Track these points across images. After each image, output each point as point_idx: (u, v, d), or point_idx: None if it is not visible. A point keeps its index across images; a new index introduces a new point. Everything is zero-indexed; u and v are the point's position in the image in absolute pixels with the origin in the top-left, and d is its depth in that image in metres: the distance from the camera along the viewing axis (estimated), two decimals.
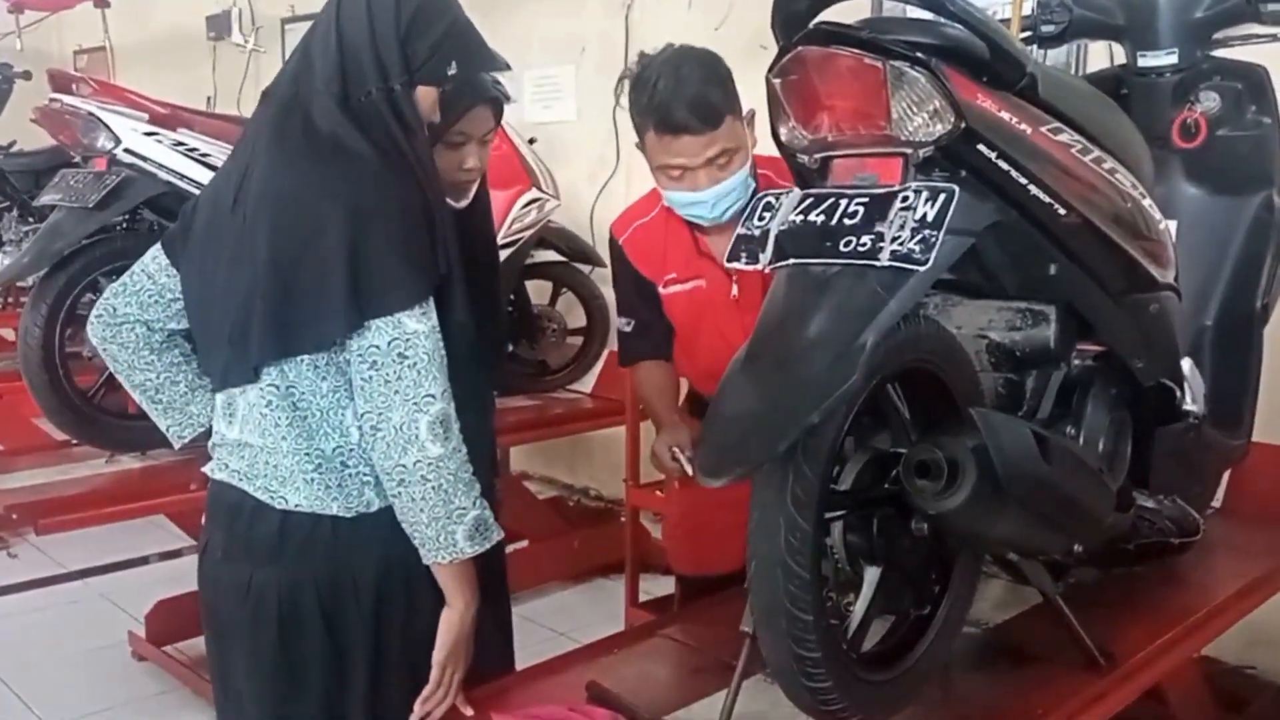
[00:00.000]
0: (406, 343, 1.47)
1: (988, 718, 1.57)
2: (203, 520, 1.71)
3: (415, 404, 1.47)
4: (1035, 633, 1.76)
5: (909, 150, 1.28)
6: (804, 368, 1.22)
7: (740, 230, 1.36)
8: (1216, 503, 2.36)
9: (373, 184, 1.50)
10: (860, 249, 1.24)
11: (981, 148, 1.28)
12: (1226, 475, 2.33)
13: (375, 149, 1.51)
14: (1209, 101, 2.06)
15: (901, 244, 1.22)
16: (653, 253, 2.12)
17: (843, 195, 1.30)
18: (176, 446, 1.74)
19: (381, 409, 1.47)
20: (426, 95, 1.58)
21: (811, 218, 1.30)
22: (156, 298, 1.65)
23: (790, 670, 1.28)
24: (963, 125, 1.25)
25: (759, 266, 1.33)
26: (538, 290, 3.94)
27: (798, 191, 1.34)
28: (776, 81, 1.32)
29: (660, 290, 2.12)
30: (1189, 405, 1.69)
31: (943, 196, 1.23)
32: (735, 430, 1.25)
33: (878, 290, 1.23)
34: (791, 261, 1.30)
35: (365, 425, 1.49)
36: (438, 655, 1.56)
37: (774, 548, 1.24)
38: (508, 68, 1.69)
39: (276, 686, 1.59)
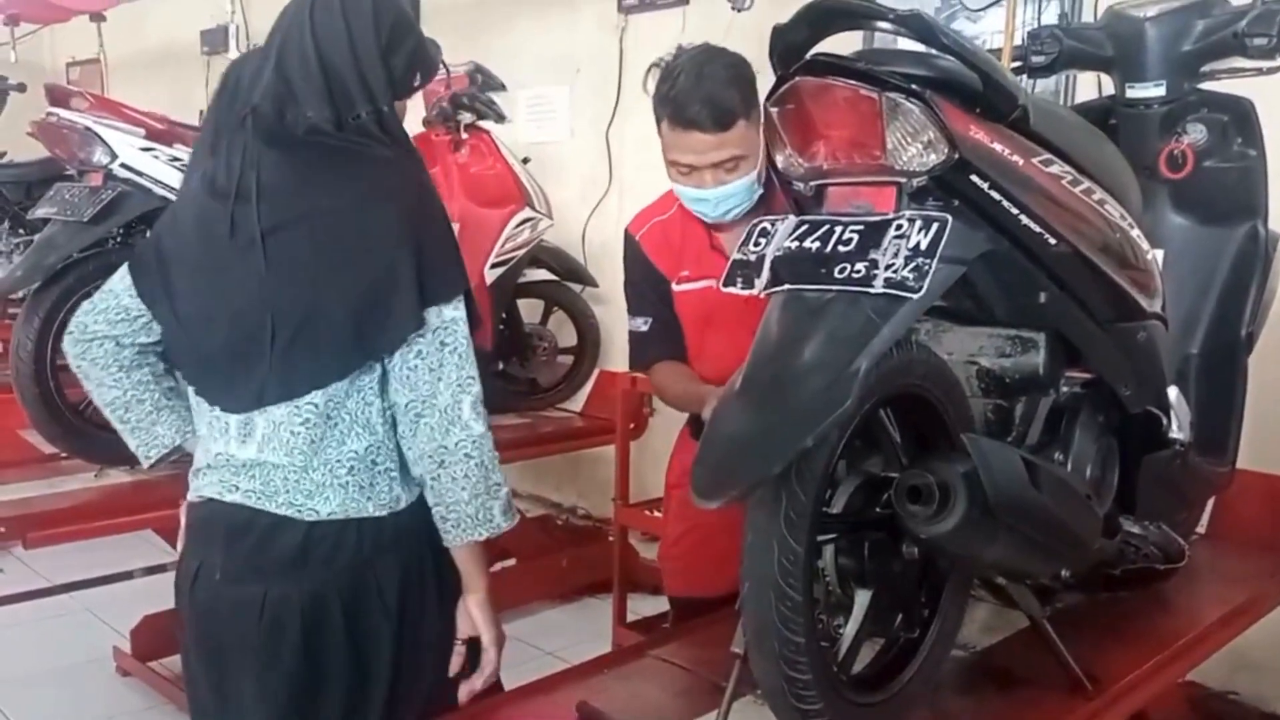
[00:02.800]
0: (447, 330, 1.52)
1: None
2: (182, 544, 1.69)
3: (459, 386, 1.52)
4: (1022, 656, 1.77)
5: (903, 179, 1.30)
6: (798, 392, 1.24)
7: (736, 255, 1.38)
8: (1201, 529, 2.38)
9: (403, 178, 1.54)
10: (855, 276, 1.26)
11: (974, 178, 1.30)
12: (1211, 502, 2.35)
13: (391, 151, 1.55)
14: (1196, 133, 2.09)
15: (895, 271, 1.24)
16: (669, 248, 2.15)
17: (838, 223, 1.32)
18: (145, 466, 1.73)
19: (426, 396, 1.51)
20: (399, 108, 1.62)
21: (807, 244, 1.32)
22: (122, 315, 1.64)
23: (781, 691, 1.29)
24: (956, 156, 1.27)
25: (754, 291, 1.34)
26: (529, 309, 3.96)
27: (793, 218, 1.36)
28: (774, 110, 1.34)
29: (673, 288, 2.14)
30: (1175, 433, 1.72)
31: (936, 225, 1.25)
32: (730, 452, 1.26)
33: (871, 316, 1.25)
34: (787, 287, 1.32)
35: (409, 415, 1.53)
36: (487, 638, 1.61)
37: (767, 569, 1.25)
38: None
39: (299, 698, 1.57)
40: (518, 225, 3.52)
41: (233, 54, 4.02)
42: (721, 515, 1.28)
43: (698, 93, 1.89)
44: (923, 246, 1.25)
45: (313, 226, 1.51)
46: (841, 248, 1.29)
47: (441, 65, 3.33)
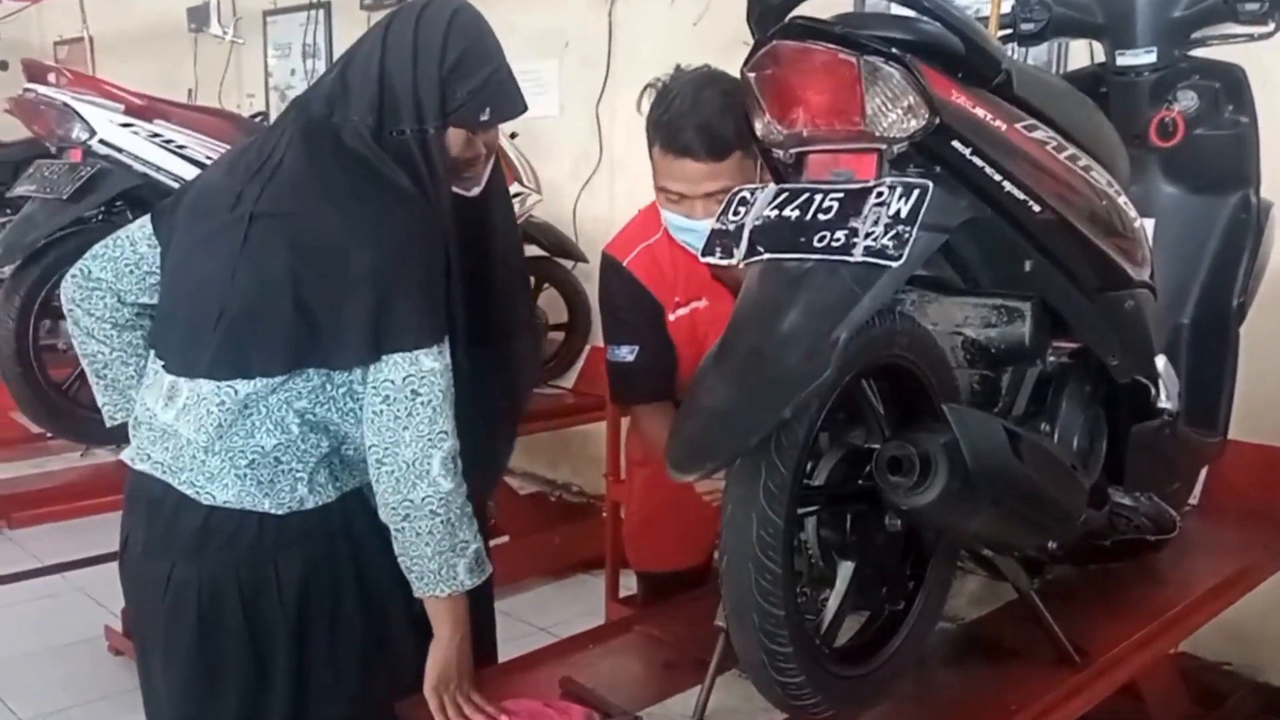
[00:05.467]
0: (421, 380, 1.48)
1: (961, 713, 1.57)
2: (121, 514, 1.68)
3: (430, 440, 1.48)
4: (1011, 629, 1.77)
5: (884, 146, 1.27)
6: (777, 363, 1.22)
7: (715, 225, 1.35)
8: (1194, 500, 2.37)
9: (409, 217, 1.51)
10: (834, 244, 1.24)
11: (956, 144, 1.28)
12: (1204, 472, 2.34)
13: (410, 181, 1.53)
14: (1187, 100, 2.07)
15: (875, 240, 1.22)
16: (661, 276, 2.04)
17: (817, 190, 1.29)
18: (108, 425, 1.71)
19: (390, 444, 1.48)
20: (456, 136, 1.59)
21: (786, 213, 1.29)
22: (133, 267, 1.64)
23: (761, 664, 1.27)
24: (937, 121, 1.24)
25: (733, 261, 1.32)
26: None
27: (773, 186, 1.34)
28: (751, 76, 1.31)
29: (669, 317, 2.04)
30: (1163, 403, 1.70)
31: (916, 192, 1.23)
32: (707, 425, 1.24)
33: (851, 286, 1.23)
34: (766, 256, 1.29)
35: (373, 458, 1.49)
36: (426, 685, 1.55)
37: (746, 542, 1.23)
38: (525, 109, 1.69)
39: (194, 685, 1.56)
40: None
41: (215, 30, 3.94)
42: (685, 490, 1.25)
43: (692, 119, 1.80)
44: (903, 214, 1.22)
45: (296, 226, 1.49)
46: (821, 216, 1.27)
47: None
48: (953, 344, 1.57)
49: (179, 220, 1.60)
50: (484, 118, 1.58)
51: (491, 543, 3.93)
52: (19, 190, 3.01)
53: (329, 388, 1.53)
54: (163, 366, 1.58)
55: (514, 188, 3.51)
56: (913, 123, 1.25)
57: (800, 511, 1.32)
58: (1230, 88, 2.05)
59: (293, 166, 1.53)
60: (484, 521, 2.00)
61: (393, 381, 1.47)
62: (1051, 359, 1.61)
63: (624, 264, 2.05)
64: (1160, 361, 1.66)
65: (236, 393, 1.50)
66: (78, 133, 2.94)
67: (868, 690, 1.43)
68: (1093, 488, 1.65)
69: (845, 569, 1.39)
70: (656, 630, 1.85)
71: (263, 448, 1.52)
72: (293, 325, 1.48)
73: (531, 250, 3.79)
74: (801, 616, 1.30)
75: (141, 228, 1.64)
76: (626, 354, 2.04)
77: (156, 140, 2.96)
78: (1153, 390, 1.68)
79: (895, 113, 1.25)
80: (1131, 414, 1.73)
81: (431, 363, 1.48)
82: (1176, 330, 2.07)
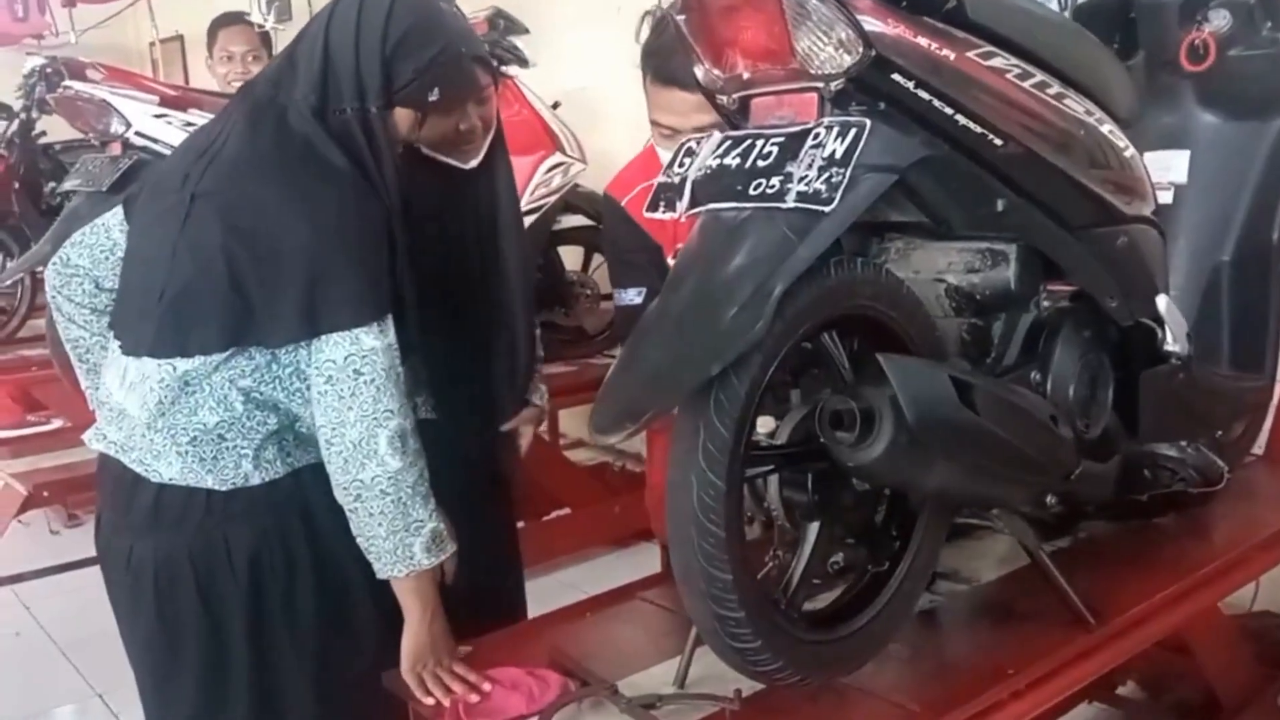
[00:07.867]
0: (363, 359, 1.47)
1: (954, 675, 1.50)
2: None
3: (375, 419, 1.47)
4: (1026, 590, 1.68)
5: (821, 85, 1.21)
6: (708, 318, 1.17)
7: (661, 178, 1.31)
8: (1259, 449, 2.23)
9: (340, 196, 1.49)
10: (769, 191, 1.18)
11: (897, 77, 1.20)
12: (1269, 420, 2.20)
13: (348, 160, 1.52)
14: (1219, 20, 1.92)
15: (808, 184, 1.16)
16: (661, 219, 2.01)
17: (759, 136, 1.24)
18: (92, 408, 1.74)
19: (336, 424, 1.47)
20: (404, 116, 1.58)
21: (727, 161, 1.24)
22: (108, 253, 1.67)
23: (714, 630, 1.24)
24: (872, 54, 1.17)
25: (676, 215, 1.28)
26: (571, 256, 3.91)
27: (717, 135, 1.29)
28: (680, 18, 1.26)
29: (669, 262, 1.97)
30: (1170, 345, 1.58)
31: (853, 132, 1.16)
32: (632, 384, 1.20)
33: (787, 234, 1.17)
34: (706, 207, 1.24)
35: (323, 438, 1.49)
36: (403, 667, 1.55)
37: (687, 505, 1.19)
38: (494, 81, 1.67)
39: (154, 659, 1.59)
40: (548, 171, 3.46)
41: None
42: None
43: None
44: (838, 155, 1.16)
45: (230, 205, 1.49)
46: (760, 162, 1.21)
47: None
48: (935, 292, 1.49)
49: (140, 203, 1.63)
50: (433, 98, 1.56)
51: (553, 515, 3.96)
52: (66, 185, 3.11)
53: (274, 367, 1.53)
54: (119, 347, 1.60)
55: (556, 157, 3.49)
56: (846, 58, 1.18)
57: (752, 472, 1.27)
58: (1267, 3, 1.90)
59: (234, 146, 1.53)
60: (507, 501, 2.00)
61: (334, 361, 1.46)
62: (1047, 304, 1.52)
63: (622, 202, 2.00)
64: (1162, 301, 1.55)
65: (175, 369, 1.51)
66: (115, 126, 3.01)
67: (843, 656, 1.37)
68: (1098, 438, 1.55)
69: (810, 530, 1.33)
70: (658, 597, 1.82)
71: (205, 425, 1.53)
72: (228, 304, 1.48)
73: (578, 220, 3.76)
74: (753, 580, 1.26)
75: (115, 214, 1.67)
76: (635, 296, 1.99)
77: (190, 129, 3.01)
78: (1159, 333, 1.57)
79: (827, 48, 1.18)
80: (1144, 360, 1.62)
81: (372, 341, 1.47)
82: (1216, 269, 1.94)
